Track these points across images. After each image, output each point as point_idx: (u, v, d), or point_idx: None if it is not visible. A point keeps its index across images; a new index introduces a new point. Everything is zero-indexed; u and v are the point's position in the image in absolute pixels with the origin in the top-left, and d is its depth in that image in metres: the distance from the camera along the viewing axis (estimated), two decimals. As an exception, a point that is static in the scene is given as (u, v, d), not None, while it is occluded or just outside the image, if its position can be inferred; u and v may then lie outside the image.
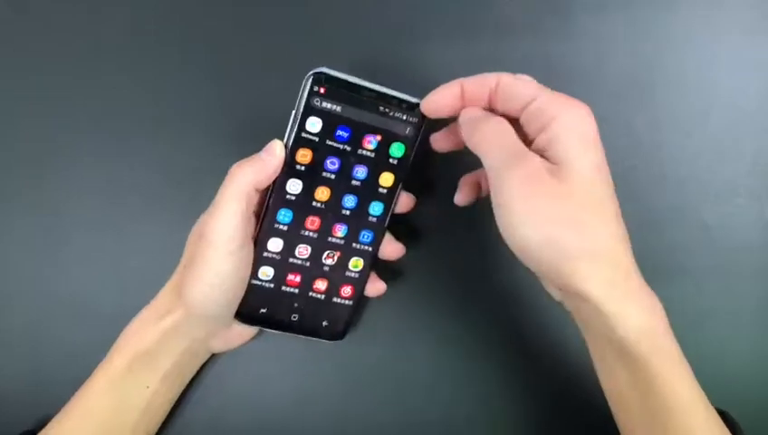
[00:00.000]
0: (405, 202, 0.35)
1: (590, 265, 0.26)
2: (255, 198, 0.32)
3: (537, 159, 0.27)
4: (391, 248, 0.36)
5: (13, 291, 0.39)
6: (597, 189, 0.27)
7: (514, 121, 0.29)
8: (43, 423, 0.34)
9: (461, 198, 0.35)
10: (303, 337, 0.36)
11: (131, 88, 0.40)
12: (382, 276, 0.37)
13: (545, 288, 0.33)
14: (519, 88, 0.29)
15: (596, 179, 0.27)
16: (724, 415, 0.29)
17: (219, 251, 0.31)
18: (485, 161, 0.28)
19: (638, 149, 0.39)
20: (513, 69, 0.39)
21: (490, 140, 0.28)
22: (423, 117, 0.33)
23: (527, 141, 0.29)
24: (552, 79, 0.39)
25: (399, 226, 0.36)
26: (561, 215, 0.26)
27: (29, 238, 0.39)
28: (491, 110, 0.31)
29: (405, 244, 0.36)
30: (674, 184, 0.39)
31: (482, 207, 0.34)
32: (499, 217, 0.27)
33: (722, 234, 0.39)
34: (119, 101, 0.40)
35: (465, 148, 0.33)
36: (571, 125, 0.27)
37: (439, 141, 0.34)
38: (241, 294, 0.34)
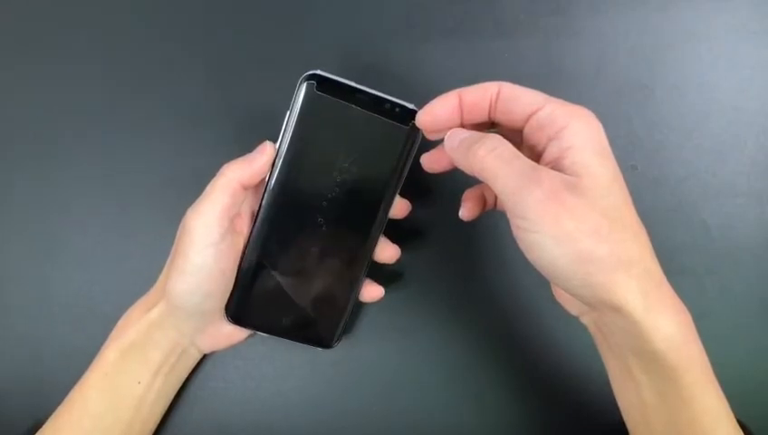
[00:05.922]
0: (400, 208, 0.34)
1: (626, 277, 0.25)
2: (242, 196, 0.32)
3: (553, 174, 0.26)
4: (387, 252, 0.35)
5: (13, 291, 0.39)
6: (618, 199, 0.26)
7: (516, 133, 0.29)
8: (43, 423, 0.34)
9: (466, 213, 0.33)
10: (294, 343, 0.36)
11: (131, 88, 0.40)
12: (380, 279, 0.37)
13: (562, 305, 0.32)
14: (524, 96, 0.28)
15: (616, 189, 0.26)
16: (743, 427, 0.29)
17: (196, 242, 0.31)
18: (496, 186, 0.26)
19: (638, 149, 0.39)
20: (514, 69, 0.40)
21: (496, 163, 0.26)
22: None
23: (533, 151, 0.28)
24: (552, 78, 0.40)
25: (398, 229, 0.36)
26: (589, 229, 0.25)
27: (29, 239, 0.39)
28: (490, 122, 0.30)
29: (403, 247, 0.36)
30: (674, 184, 0.39)
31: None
32: (523, 239, 0.26)
33: (722, 234, 0.39)
34: (119, 101, 0.40)
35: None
36: (586, 134, 0.26)
37: (430, 162, 0.32)
38: (222, 288, 0.33)
